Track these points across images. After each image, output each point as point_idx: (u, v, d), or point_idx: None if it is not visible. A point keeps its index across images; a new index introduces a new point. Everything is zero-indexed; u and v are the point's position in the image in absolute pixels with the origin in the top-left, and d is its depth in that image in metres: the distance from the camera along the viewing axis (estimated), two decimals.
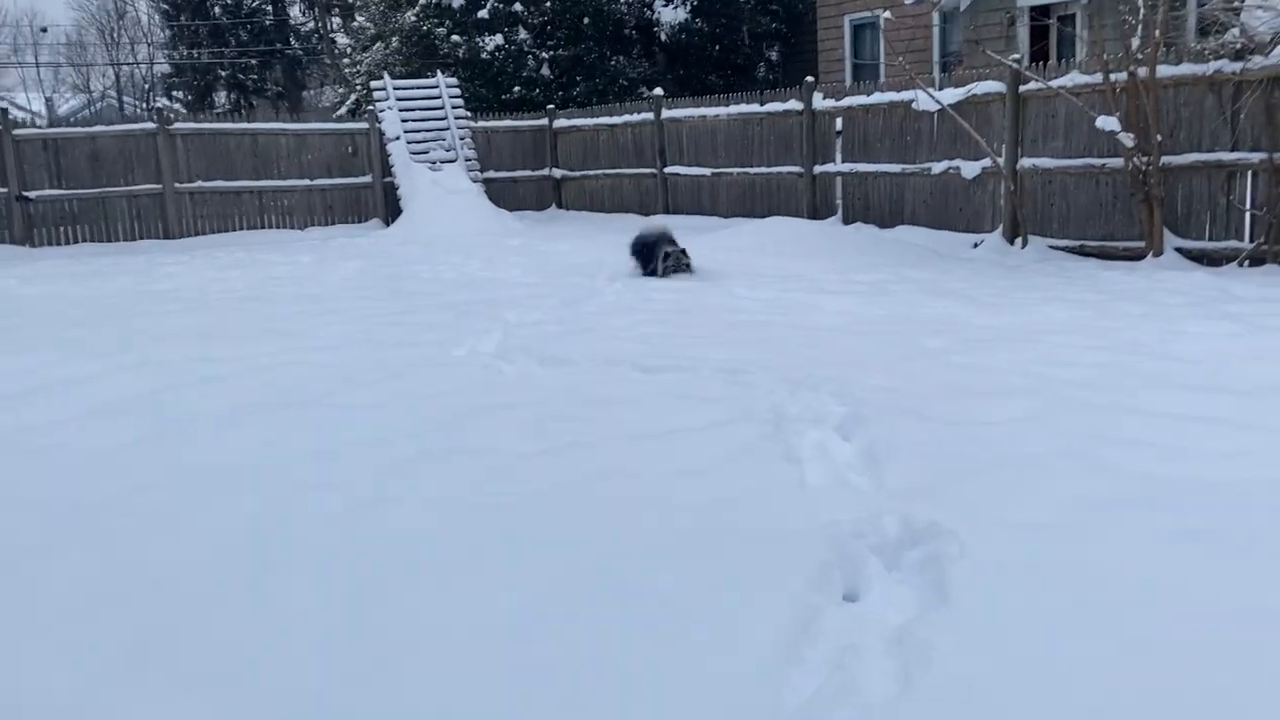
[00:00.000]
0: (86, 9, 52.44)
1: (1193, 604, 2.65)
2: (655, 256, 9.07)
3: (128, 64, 51.85)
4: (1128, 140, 8.79)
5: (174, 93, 42.45)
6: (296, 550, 3.13)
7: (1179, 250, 8.98)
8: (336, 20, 40.19)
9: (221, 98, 41.09)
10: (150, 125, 13.89)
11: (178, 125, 14.12)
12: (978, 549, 3.00)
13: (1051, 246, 9.95)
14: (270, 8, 41.00)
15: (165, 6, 41.10)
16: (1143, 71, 8.77)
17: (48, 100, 47.89)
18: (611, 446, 4.03)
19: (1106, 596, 2.71)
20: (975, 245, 10.48)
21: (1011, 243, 10.23)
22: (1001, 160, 10.20)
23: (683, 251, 9.14)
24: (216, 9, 39.67)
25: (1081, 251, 9.76)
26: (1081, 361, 5.30)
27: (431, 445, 4.11)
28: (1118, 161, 9.21)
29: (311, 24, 41.82)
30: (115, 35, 52.16)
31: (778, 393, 4.81)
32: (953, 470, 3.72)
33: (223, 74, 40.06)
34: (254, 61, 40.10)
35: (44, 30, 52.58)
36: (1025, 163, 10.13)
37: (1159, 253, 8.99)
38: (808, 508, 3.39)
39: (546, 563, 2.98)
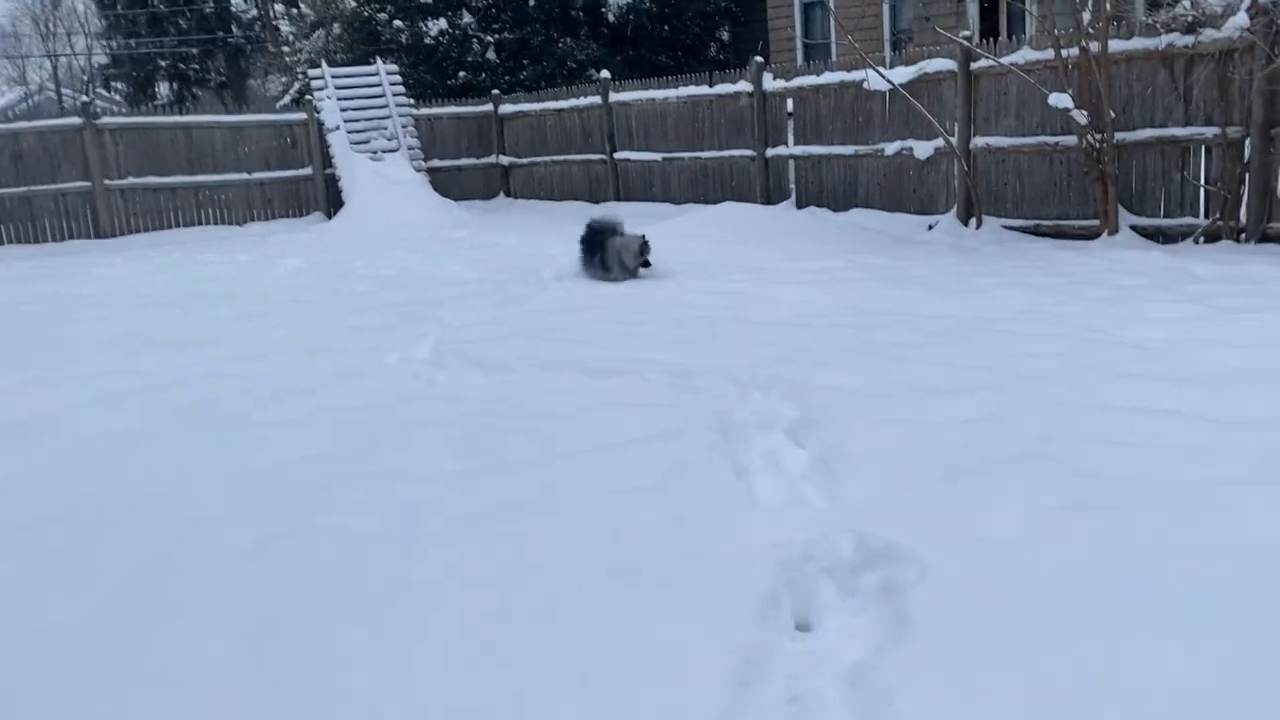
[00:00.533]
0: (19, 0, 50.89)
1: (1177, 625, 2.43)
2: (604, 252, 8.06)
3: (65, 55, 50.44)
4: (1081, 117, 8.63)
5: (113, 84, 41.29)
6: (194, 594, 2.83)
7: (1134, 228, 8.86)
8: (280, 7, 39.25)
9: (163, 88, 40.04)
10: (76, 120, 13.31)
11: (105, 120, 13.56)
12: (938, 570, 2.77)
13: (1006, 227, 9.80)
14: None
15: None
16: (1094, 46, 8.61)
17: None
18: (548, 464, 3.76)
19: (1075, 617, 2.49)
20: (930, 228, 10.31)
21: (966, 224, 10.06)
22: (955, 140, 10.02)
23: (643, 244, 8.03)
24: None
25: (1037, 231, 9.62)
26: (1042, 352, 5.10)
27: (352, 469, 3.81)
28: (1071, 139, 9.05)
29: (254, 11, 40.81)
30: (50, 26, 50.69)
31: (727, 396, 4.56)
32: (910, 479, 3.49)
33: (163, 64, 39.01)
34: (195, 51, 39.05)
35: None
36: (978, 141, 9.95)
37: (1114, 231, 8.86)
38: (756, 527, 3.14)
39: (465, 601, 2.71)
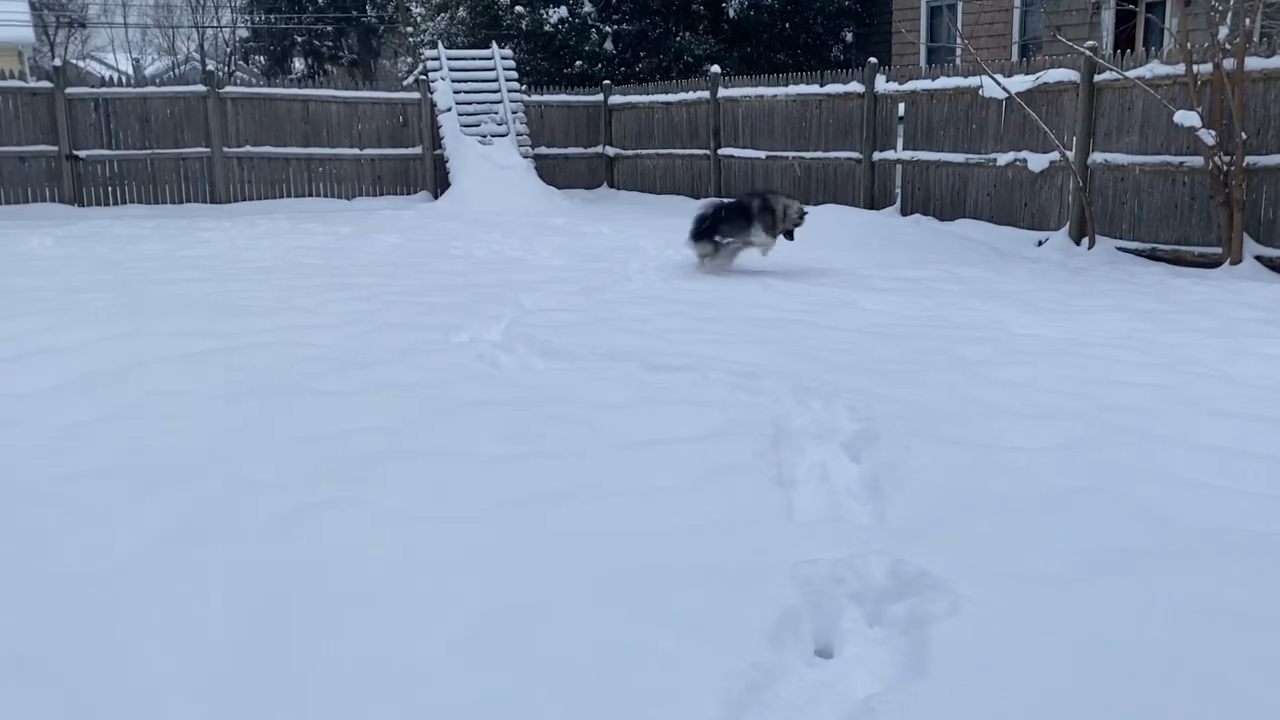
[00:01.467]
0: None
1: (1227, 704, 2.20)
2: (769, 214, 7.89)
3: (211, 27, 52.62)
4: (1209, 138, 8.12)
5: (252, 57, 42.90)
6: (212, 560, 2.83)
7: (1260, 259, 8.31)
8: None
9: (298, 64, 41.42)
10: (200, 88, 13.80)
11: (228, 89, 14.03)
12: (970, 606, 2.57)
13: (1120, 249, 9.31)
14: None
15: None
16: (1229, 63, 8.09)
17: (135, 61, 48.81)
18: (589, 457, 3.66)
19: (1107, 675, 2.27)
20: (1039, 243, 9.87)
21: (1078, 243, 9.60)
22: (1071, 154, 9.56)
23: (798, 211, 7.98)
24: None
25: (1153, 255, 9.10)
26: (1134, 381, 4.79)
27: (401, 444, 3.78)
28: (1197, 160, 8.54)
29: None
30: None
31: (785, 401, 4.40)
32: (965, 505, 3.29)
33: (299, 40, 40.34)
34: (329, 28, 40.25)
35: None
36: (1097, 157, 9.48)
37: (1237, 260, 8.32)
38: (787, 542, 2.99)
39: (476, 597, 2.63)
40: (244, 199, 14.11)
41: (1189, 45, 8.42)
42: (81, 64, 47.63)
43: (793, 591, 2.67)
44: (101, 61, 50.50)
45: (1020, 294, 7.44)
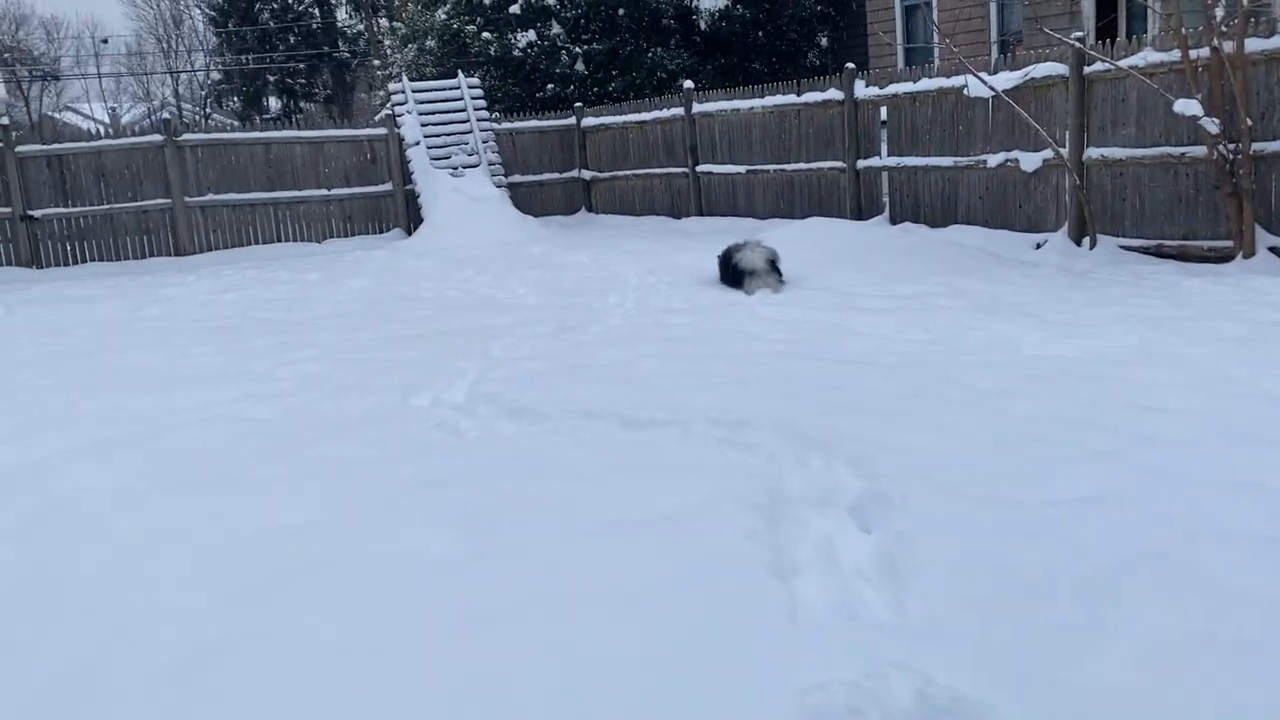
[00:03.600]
0: (145, 18, 53.05)
1: None
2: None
3: (185, 71, 52.30)
4: (1212, 126, 7.65)
5: (225, 100, 42.54)
6: None
7: (1274, 250, 7.82)
8: (384, 22, 39.82)
9: (273, 103, 41.05)
10: (157, 138, 13.30)
11: (186, 136, 13.52)
12: None
13: (1124, 247, 8.83)
14: (317, 11, 40.80)
15: (211, 13, 41.15)
16: (1228, 46, 7.63)
17: (111, 110, 48.45)
18: (556, 550, 3.15)
19: None
20: (1038, 246, 9.39)
21: (1079, 243, 9.12)
22: (1065, 151, 9.09)
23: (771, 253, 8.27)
24: (264, 14, 39.53)
25: (1159, 252, 8.62)
26: (1171, 407, 4.28)
27: (334, 547, 3.27)
28: (1200, 150, 8.06)
29: (360, 26, 41.52)
30: (173, 44, 52.64)
31: (781, 459, 3.89)
32: (996, 589, 2.79)
33: (272, 79, 39.99)
34: (302, 66, 39.91)
35: (105, 41, 53.21)
36: (1092, 153, 9.01)
37: (1250, 254, 7.83)
38: (791, 657, 2.48)
39: None
40: (209, 249, 13.59)
41: (1183, 29, 7.96)
42: (58, 116, 47.27)
43: None
44: (78, 112, 50.15)
45: (1025, 306, 6.95)
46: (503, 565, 3.06)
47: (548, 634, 2.63)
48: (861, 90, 11.38)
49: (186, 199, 13.37)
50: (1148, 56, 8.41)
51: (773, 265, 8.23)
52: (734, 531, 3.21)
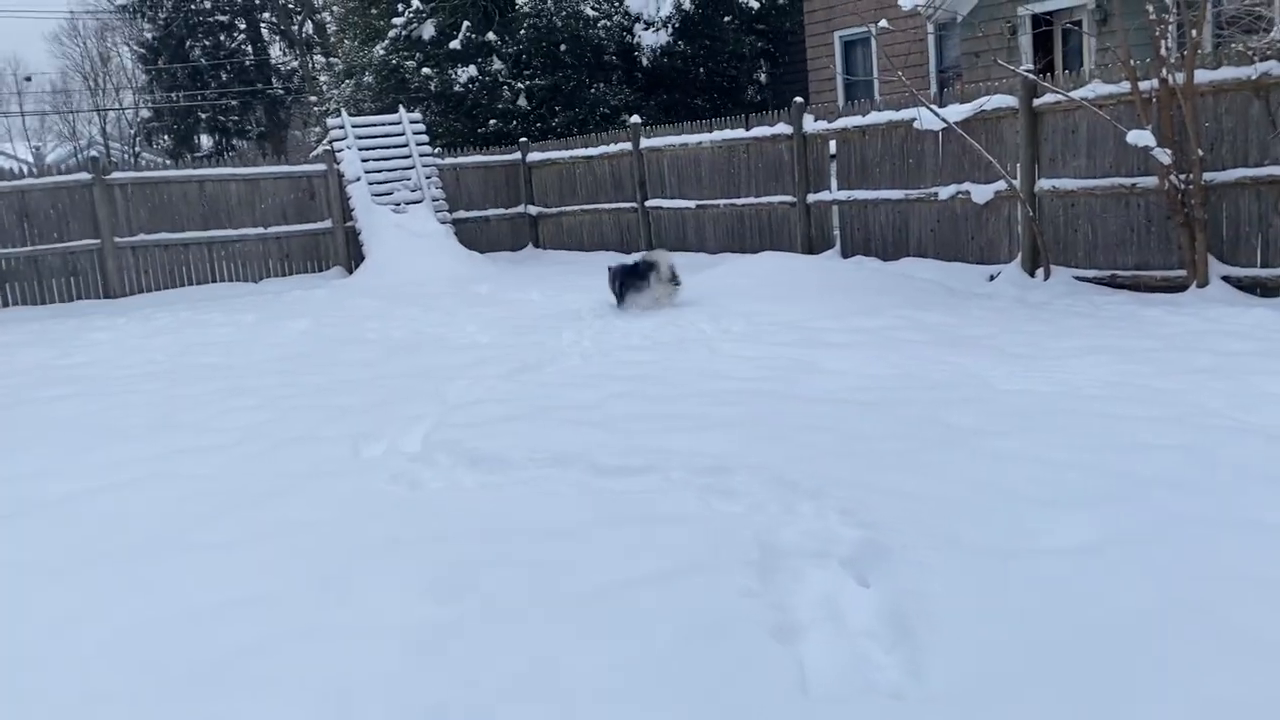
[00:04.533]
0: (70, 56, 51.85)
1: None
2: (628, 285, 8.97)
3: (113, 109, 51.16)
4: (1164, 157, 7.68)
5: (155, 138, 41.60)
6: None
7: (1227, 279, 7.85)
8: (320, 58, 39.38)
9: (205, 141, 40.24)
10: (85, 176, 12.76)
11: (116, 175, 13.00)
12: None
13: (1078, 278, 8.83)
14: (250, 47, 40.25)
15: (141, 50, 40.34)
16: (1178, 77, 7.68)
17: (35, 149, 47.12)
18: (536, 622, 2.88)
19: None
20: (991, 278, 9.36)
21: (1032, 274, 9.10)
22: (1017, 182, 9.09)
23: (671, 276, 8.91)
24: (196, 50, 38.86)
25: (1113, 282, 8.63)
26: (1157, 442, 4.16)
27: (288, 622, 2.96)
28: (1150, 180, 8.10)
29: (294, 63, 41.01)
30: (100, 81, 51.51)
31: (769, 507, 3.67)
32: (1018, 650, 2.58)
33: (204, 116, 39.24)
34: (235, 103, 39.24)
35: (28, 79, 51.93)
36: (1044, 184, 9.02)
37: (1203, 283, 7.86)
38: None
39: None
40: (141, 290, 13.03)
41: (1130, 61, 8.02)
42: None
43: None
44: (1, 152, 48.70)
45: (987, 339, 6.86)
46: (478, 642, 2.78)
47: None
48: (810, 124, 11.34)
49: (116, 239, 12.82)
50: (1097, 89, 8.45)
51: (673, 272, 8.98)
52: (728, 591, 2.97)
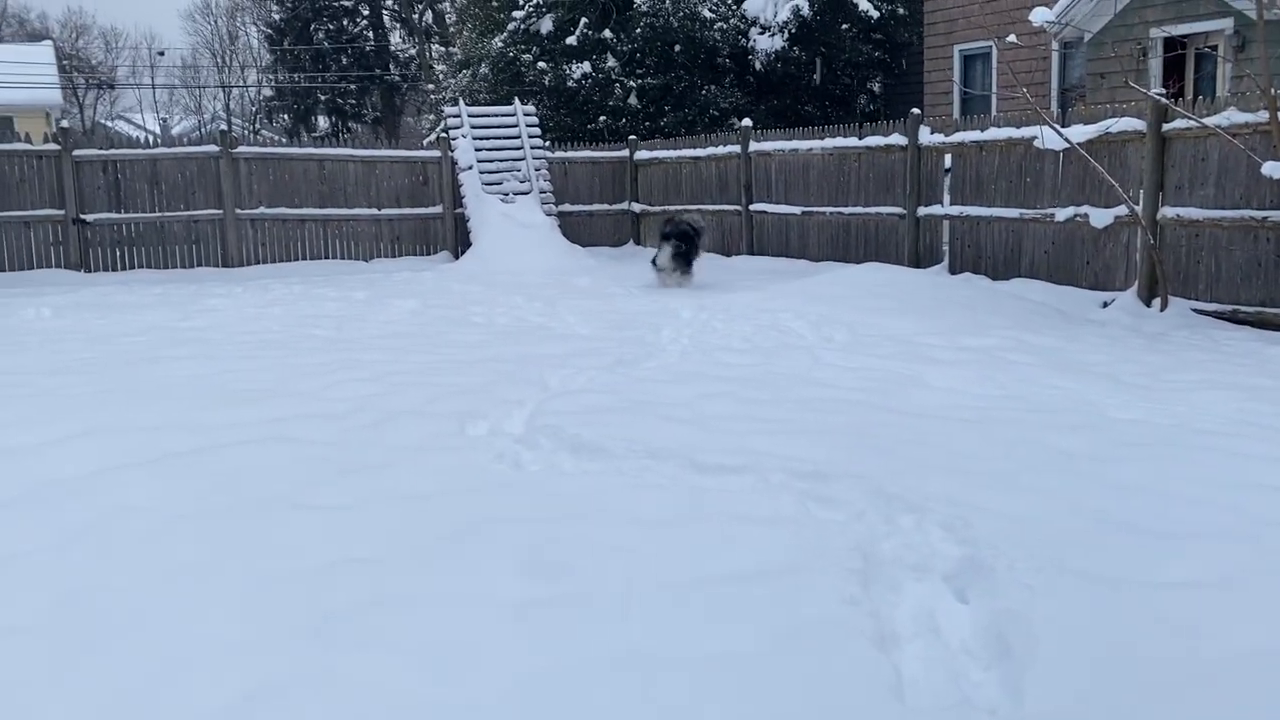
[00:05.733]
0: (202, 33, 54.05)
1: None
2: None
3: (237, 86, 53.15)
4: None
5: (276, 116, 43.06)
6: None
7: None
8: (438, 48, 40.26)
9: (321, 122, 41.52)
10: (213, 148, 13.32)
11: (241, 149, 13.54)
12: None
13: (1197, 310, 8.52)
14: (372, 34, 41.33)
15: (269, 31, 41.79)
16: None
17: (162, 120, 49.23)
18: (632, 603, 2.92)
19: None
20: (1104, 305, 9.10)
21: (1148, 304, 8.82)
22: (1139, 208, 8.82)
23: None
24: (319, 33, 40.06)
25: (1234, 318, 8.31)
26: (1276, 484, 3.99)
27: (398, 584, 3.06)
28: None
29: (412, 50, 41.99)
30: (227, 59, 53.57)
31: (869, 516, 3.64)
32: (1125, 678, 2.52)
33: (323, 98, 40.46)
34: (353, 86, 40.35)
35: (161, 54, 54.18)
36: (1168, 212, 8.74)
37: None
38: None
39: None
40: (257, 262, 13.55)
41: (1271, 89, 7.70)
42: (110, 124, 48.09)
43: None
44: (130, 121, 51.03)
45: (1101, 366, 6.67)
46: (575, 616, 2.83)
47: (626, 702, 2.39)
48: (926, 137, 11.18)
49: (238, 211, 13.35)
50: (1232, 116, 8.15)
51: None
52: (828, 596, 2.96)
